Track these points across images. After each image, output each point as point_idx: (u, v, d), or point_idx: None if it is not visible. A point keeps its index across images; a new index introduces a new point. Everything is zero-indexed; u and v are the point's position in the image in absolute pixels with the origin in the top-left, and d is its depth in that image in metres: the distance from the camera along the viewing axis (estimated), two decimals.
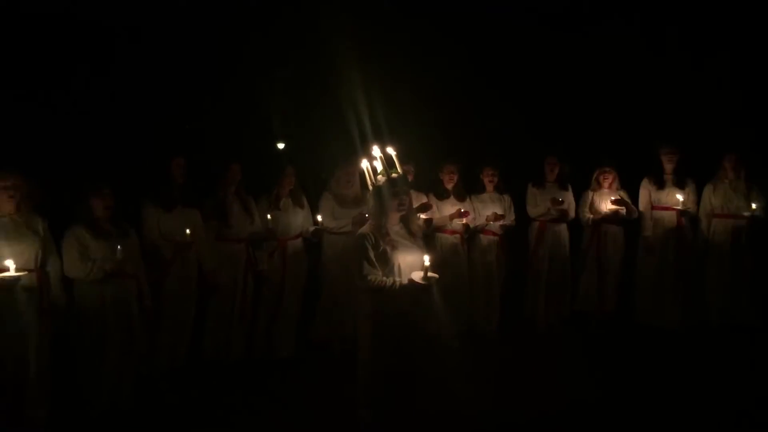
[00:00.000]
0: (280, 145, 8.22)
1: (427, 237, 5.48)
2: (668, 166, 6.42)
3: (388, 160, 4.01)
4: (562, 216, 6.43)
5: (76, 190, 4.63)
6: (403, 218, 4.03)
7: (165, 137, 6.71)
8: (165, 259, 5.17)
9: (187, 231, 5.17)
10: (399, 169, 3.99)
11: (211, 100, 7.42)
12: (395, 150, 4.04)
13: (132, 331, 4.63)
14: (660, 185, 6.42)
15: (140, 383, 4.77)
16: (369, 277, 3.84)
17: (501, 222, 6.22)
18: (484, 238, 6.39)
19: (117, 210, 4.62)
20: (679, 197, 6.27)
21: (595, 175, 6.55)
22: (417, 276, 3.78)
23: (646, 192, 6.52)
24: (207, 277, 5.41)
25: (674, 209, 6.32)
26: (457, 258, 6.22)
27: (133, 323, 4.64)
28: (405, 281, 3.82)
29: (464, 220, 6.09)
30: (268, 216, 5.57)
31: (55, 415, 4.34)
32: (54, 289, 4.38)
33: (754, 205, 6.11)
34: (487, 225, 6.29)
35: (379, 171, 4.00)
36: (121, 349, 4.56)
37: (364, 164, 4.04)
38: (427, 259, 3.77)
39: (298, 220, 5.85)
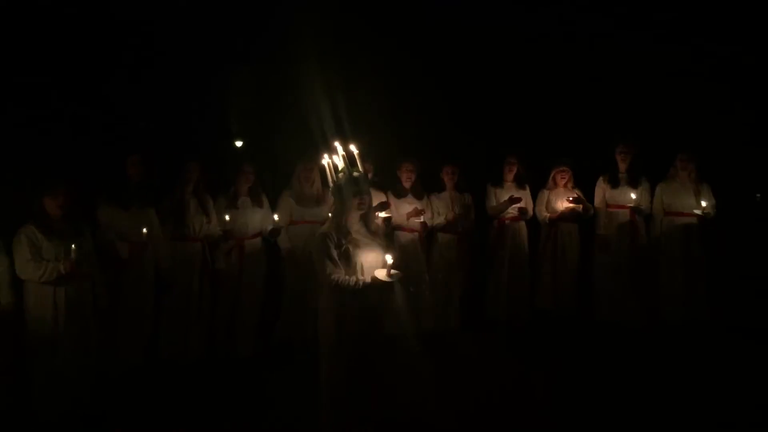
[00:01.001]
0: (239, 143, 8.17)
1: (387, 235, 5.39)
2: (622, 165, 6.57)
3: (349, 158, 4.05)
4: (521, 214, 6.57)
5: (28, 188, 4.61)
6: (363, 217, 4.07)
7: (120, 135, 6.68)
8: (121, 259, 5.16)
9: (144, 230, 5.18)
10: (360, 168, 4.03)
11: (168, 98, 7.37)
12: (357, 148, 4.08)
13: (88, 332, 4.62)
14: (614, 184, 6.57)
15: (98, 385, 4.76)
16: (332, 277, 3.86)
17: (421, 219, 6.21)
18: (444, 237, 6.48)
19: (72, 209, 4.60)
20: (633, 195, 6.42)
21: (551, 174, 6.68)
22: (380, 274, 3.82)
23: (600, 190, 6.67)
24: (163, 276, 5.43)
25: (628, 207, 6.46)
26: (416, 256, 6.30)
27: (89, 324, 4.62)
28: (368, 279, 3.86)
29: (421, 218, 6.16)
30: (226, 216, 5.60)
31: (7, 419, 4.32)
32: (1, 289, 4.36)
33: (704, 203, 6.27)
34: (446, 224, 6.39)
35: (340, 169, 4.03)
36: (77, 351, 4.54)
37: (326, 161, 4.08)
38: (389, 257, 3.82)
39: (257, 219, 5.88)
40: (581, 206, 6.53)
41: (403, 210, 6.26)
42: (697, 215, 6.30)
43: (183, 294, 5.52)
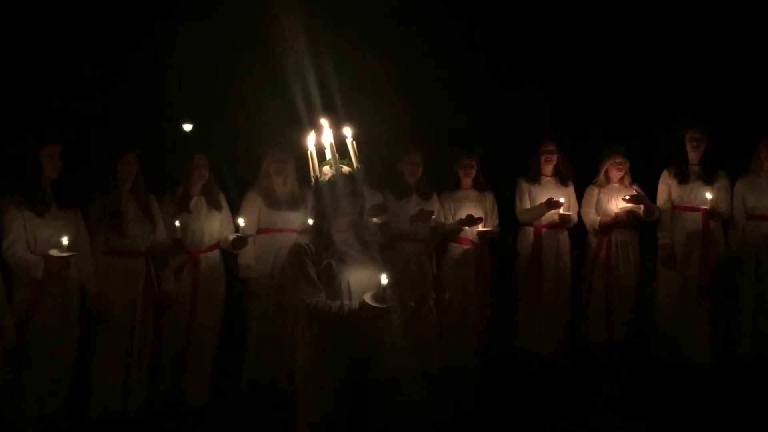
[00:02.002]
0: (187, 127, 8.19)
1: (385, 247, 5.52)
2: (694, 155, 6.57)
3: (339, 148, 4.00)
4: (563, 220, 6.60)
5: None
6: (353, 223, 4.04)
7: (33, 119, 6.64)
8: (34, 280, 5.09)
9: (64, 240, 5.08)
10: (355, 162, 3.99)
11: (94, 69, 7.35)
12: (352, 134, 4.02)
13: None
14: (683, 179, 6.58)
15: None
16: (309, 301, 3.82)
17: (479, 228, 6.33)
18: (458, 249, 6.54)
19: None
20: (708, 195, 6.40)
21: (603, 167, 6.72)
22: (371, 298, 3.74)
23: (665, 188, 6.66)
24: (92, 303, 5.38)
25: (701, 209, 6.47)
26: (423, 274, 6.35)
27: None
28: (356, 305, 3.79)
29: (431, 223, 6.20)
30: (176, 222, 5.57)
31: None
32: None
33: None
34: (461, 231, 6.41)
35: (325, 161, 3.99)
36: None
37: (309, 147, 4.01)
38: (384, 277, 3.74)
39: (214, 225, 5.90)
40: (642, 207, 6.54)
41: (406, 213, 6.30)
42: None
43: (119, 326, 5.47)
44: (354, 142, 4.00)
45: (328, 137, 3.95)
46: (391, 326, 4.02)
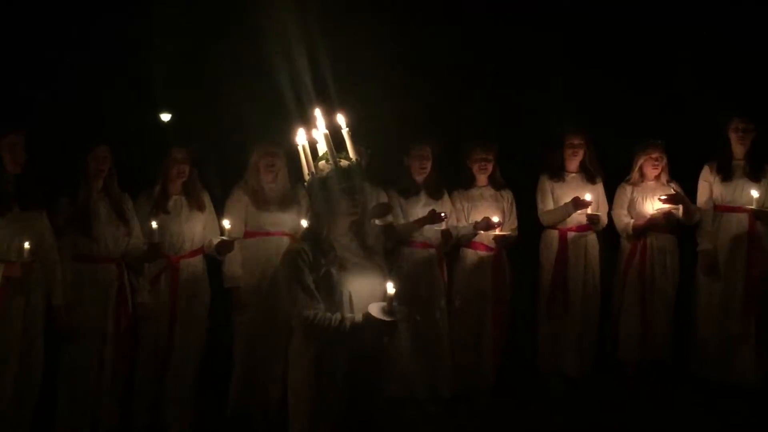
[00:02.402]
0: (166, 117, 8.17)
1: (390, 253, 5.66)
2: (739, 149, 6.54)
3: (335, 140, 3.98)
4: (591, 222, 6.59)
5: None
6: (355, 226, 4.01)
7: None
8: None
9: (26, 245, 5.09)
10: (352, 155, 3.97)
11: (62, 51, 7.34)
12: (348, 125, 4.01)
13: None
14: (727, 175, 6.55)
15: None
16: (306, 314, 3.77)
17: (497, 231, 6.29)
18: (472, 255, 6.54)
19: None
20: (755, 193, 6.35)
21: (637, 162, 6.71)
22: (377, 310, 3.72)
23: (706, 185, 6.64)
24: (58, 316, 5.35)
25: (746, 210, 6.44)
26: (433, 284, 6.32)
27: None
28: (360, 319, 3.76)
29: (443, 226, 6.15)
30: (153, 223, 5.54)
31: None
32: None
33: None
34: (475, 235, 6.41)
35: (320, 155, 3.98)
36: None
37: (300, 143, 4.00)
38: (391, 286, 3.72)
39: (196, 228, 5.89)
40: (680, 208, 6.53)
41: (414, 214, 6.29)
42: None
43: (89, 342, 5.46)
44: (350, 132, 3.99)
45: (321, 128, 3.95)
46: (398, 343, 4.03)
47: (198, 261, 5.89)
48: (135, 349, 5.68)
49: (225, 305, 6.02)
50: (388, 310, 3.70)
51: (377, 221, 5.74)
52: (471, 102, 7.65)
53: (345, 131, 4.00)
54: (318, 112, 3.95)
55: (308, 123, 3.99)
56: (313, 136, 3.99)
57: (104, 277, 5.49)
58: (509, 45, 8.05)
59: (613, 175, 6.85)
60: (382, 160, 6.41)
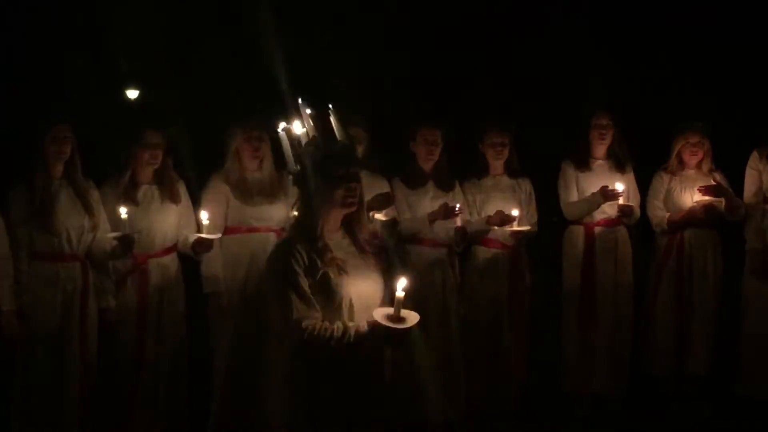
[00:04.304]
0: (132, 94, 8.11)
1: (392, 252, 5.37)
2: None
3: (322, 121, 3.97)
4: (623, 215, 6.56)
5: None
6: (345, 220, 3.93)
7: None
8: None
9: None
10: (342, 135, 3.94)
11: (12, 11, 7.32)
12: (335, 105, 4.00)
13: None
14: None
15: None
16: (305, 325, 3.68)
17: (514, 226, 6.25)
18: (486, 254, 6.57)
19: None
20: None
21: (675, 149, 6.69)
22: (383, 316, 3.63)
23: (755, 175, 6.54)
24: (7, 323, 5.30)
25: None
26: (445, 288, 6.32)
27: None
28: (364, 328, 3.69)
29: (458, 222, 6.10)
30: (122, 211, 5.49)
31: None
32: None
33: None
34: (489, 231, 6.44)
35: (307, 139, 3.96)
36: None
37: (282, 128, 4.02)
38: (400, 289, 3.63)
39: (169, 222, 5.90)
40: (723, 200, 6.48)
41: (422, 208, 6.27)
42: None
43: (47, 352, 5.45)
44: (336, 115, 3.98)
45: (306, 110, 3.99)
46: (409, 355, 4.03)
47: (171, 260, 5.89)
48: (102, 361, 5.66)
49: (203, 312, 6.01)
50: (396, 317, 3.60)
51: (379, 215, 5.70)
52: (486, 79, 7.63)
53: (332, 114, 3.97)
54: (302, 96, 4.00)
55: (293, 105, 4.02)
56: (299, 118, 4.00)
57: (66, 276, 5.47)
58: (527, 17, 8.04)
59: (649, 161, 6.81)
60: (384, 145, 6.37)
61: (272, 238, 5.76)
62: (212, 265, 5.86)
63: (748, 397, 6.45)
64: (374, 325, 3.63)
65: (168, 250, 5.85)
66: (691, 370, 6.62)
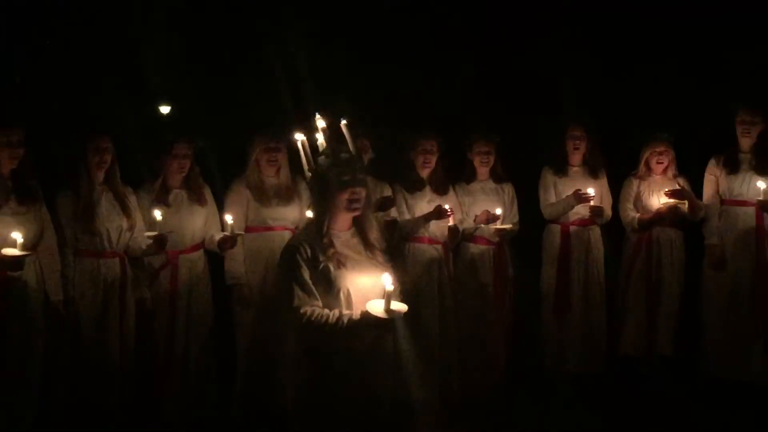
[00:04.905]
0: (165, 109, 8.14)
1: (395, 248, 5.58)
2: (746, 141, 6.51)
3: (334, 133, 4.05)
4: (595, 215, 6.61)
5: None
6: (356, 221, 4.03)
7: None
8: None
9: (19, 239, 5.05)
10: (351, 148, 4.01)
11: (57, 38, 7.38)
12: (347, 119, 4.07)
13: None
14: (733, 169, 6.52)
15: None
16: (303, 311, 3.78)
17: (497, 225, 6.33)
18: (474, 250, 6.61)
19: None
20: (762, 185, 6.27)
21: (643, 156, 6.74)
22: (376, 308, 3.72)
23: (713, 179, 6.63)
24: (56, 312, 5.34)
25: (754, 203, 6.40)
26: (438, 281, 6.33)
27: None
28: (357, 316, 3.78)
29: (450, 221, 6.16)
30: (157, 213, 5.51)
31: None
32: None
33: None
34: (476, 230, 6.49)
35: (321, 149, 4.02)
36: None
37: (299, 139, 4.05)
38: (389, 283, 3.71)
39: (197, 223, 5.91)
40: (686, 202, 6.52)
41: (419, 210, 6.31)
42: None
43: (90, 339, 5.45)
44: (348, 126, 4.06)
45: (320, 123, 4.03)
46: (398, 340, 4.01)
47: (198, 257, 5.92)
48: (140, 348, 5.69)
49: (227, 302, 6.05)
50: (387, 309, 3.68)
51: (381, 215, 5.73)
52: (475, 95, 7.60)
53: (344, 124, 4.05)
54: (318, 110, 4.01)
55: (308, 118, 4.05)
56: (313, 130, 4.02)
57: (107, 271, 5.49)
58: (513, 36, 8.03)
59: (620, 168, 6.85)
60: (388, 154, 6.40)
61: (287, 236, 5.68)
62: (235, 260, 5.89)
63: (712, 375, 6.51)
64: (365, 315, 3.69)
65: (196, 247, 5.88)
66: (659, 351, 6.67)
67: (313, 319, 3.74)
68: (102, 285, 5.47)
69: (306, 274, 3.81)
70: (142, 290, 5.69)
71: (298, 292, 3.79)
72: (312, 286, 3.80)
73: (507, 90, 7.73)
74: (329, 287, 3.83)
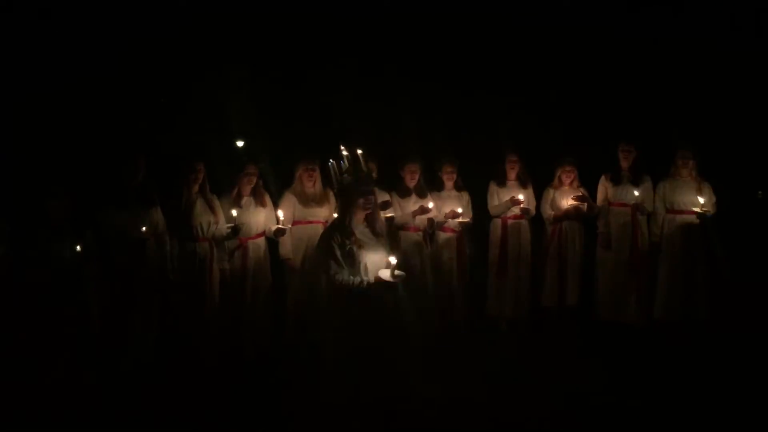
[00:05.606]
0: (240, 143, 8.13)
1: (391, 235, 5.51)
2: (624, 163, 6.57)
3: (353, 158, 4.12)
4: (524, 213, 6.61)
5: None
6: (368, 217, 4.15)
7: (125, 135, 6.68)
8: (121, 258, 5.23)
9: (144, 229, 5.22)
10: (365, 167, 4.14)
11: (171, 101, 7.36)
12: (361, 148, 4.16)
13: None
14: (617, 182, 6.58)
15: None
16: (337, 277, 3.95)
17: (459, 219, 6.35)
18: (442, 236, 6.55)
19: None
20: (635, 193, 6.43)
21: (557, 173, 6.70)
22: (385, 274, 3.89)
23: (603, 188, 6.69)
24: (168, 279, 5.45)
25: (629, 205, 6.48)
26: (420, 255, 6.33)
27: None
28: (372, 279, 3.94)
29: (429, 214, 6.17)
30: (233, 212, 5.60)
31: None
32: None
33: (701, 200, 6.24)
34: (445, 222, 6.45)
35: (344, 169, 4.12)
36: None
37: (330, 162, 4.18)
38: (393, 258, 3.89)
39: (260, 218, 5.88)
40: (585, 204, 6.55)
41: (408, 209, 6.30)
42: (696, 213, 6.27)
43: (189, 299, 5.51)
44: (364, 155, 4.16)
45: (344, 153, 4.13)
46: (398, 296, 4.07)
47: (261, 242, 5.90)
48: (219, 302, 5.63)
49: (281, 273, 6.05)
50: (391, 275, 3.84)
51: (383, 213, 5.50)
52: (442, 132, 7.46)
53: (360, 152, 4.17)
54: (341, 146, 4.09)
55: (336, 149, 4.12)
56: (338, 159, 4.13)
57: (200, 251, 5.53)
58: (464, 95, 7.85)
59: (542, 180, 6.83)
60: (385, 172, 6.37)
61: (320, 228, 5.74)
62: (286, 243, 5.91)
63: (602, 319, 6.62)
64: (378, 279, 3.92)
65: (259, 235, 5.85)
66: (568, 303, 6.64)
67: (343, 282, 3.92)
68: (197, 260, 5.49)
69: (338, 252, 3.95)
70: (223, 263, 5.67)
71: (333, 264, 3.94)
72: (342, 260, 3.95)
73: (464, 128, 7.66)
74: (353, 261, 3.99)
